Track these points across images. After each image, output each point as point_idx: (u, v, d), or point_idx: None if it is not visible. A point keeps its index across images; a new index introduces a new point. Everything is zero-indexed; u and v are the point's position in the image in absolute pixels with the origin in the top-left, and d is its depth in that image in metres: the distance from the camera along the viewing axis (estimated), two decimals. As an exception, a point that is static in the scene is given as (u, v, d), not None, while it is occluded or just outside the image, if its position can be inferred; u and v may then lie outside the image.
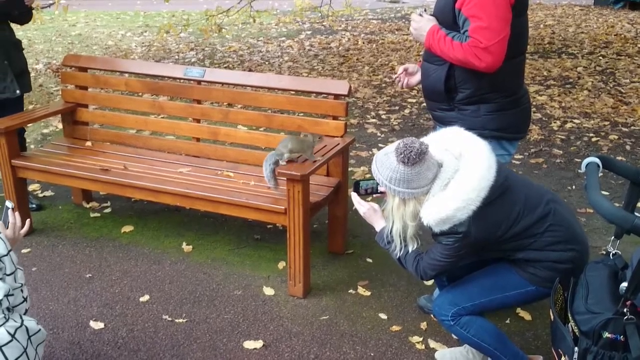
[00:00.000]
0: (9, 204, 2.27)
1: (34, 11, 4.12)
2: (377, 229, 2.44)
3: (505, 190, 2.16)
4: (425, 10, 2.69)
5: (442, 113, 2.67)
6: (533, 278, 2.25)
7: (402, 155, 2.06)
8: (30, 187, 4.22)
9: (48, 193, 4.26)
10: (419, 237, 2.29)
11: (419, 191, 2.11)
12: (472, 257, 2.35)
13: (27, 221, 2.39)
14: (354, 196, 2.44)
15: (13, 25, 3.94)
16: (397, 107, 6.08)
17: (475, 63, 2.43)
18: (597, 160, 2.02)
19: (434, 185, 2.11)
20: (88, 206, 4.09)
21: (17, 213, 2.26)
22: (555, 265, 2.21)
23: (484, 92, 2.56)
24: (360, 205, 2.43)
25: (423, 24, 2.60)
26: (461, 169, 2.12)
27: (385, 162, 2.13)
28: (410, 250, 2.30)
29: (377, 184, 2.31)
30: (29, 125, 4.82)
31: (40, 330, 2.06)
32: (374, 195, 2.50)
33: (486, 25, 2.39)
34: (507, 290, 2.30)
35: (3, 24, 3.89)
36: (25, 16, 3.96)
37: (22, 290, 2.05)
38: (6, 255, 1.98)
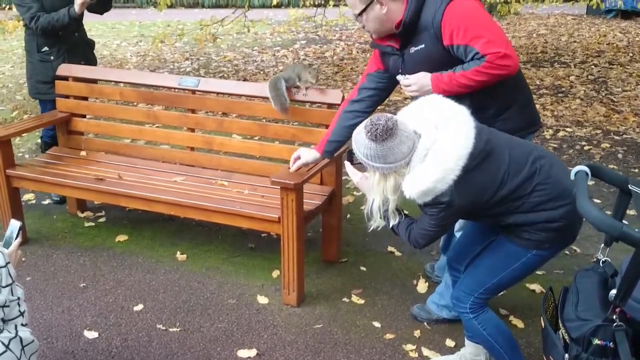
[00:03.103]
0: (16, 223, 2.26)
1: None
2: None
3: (488, 155, 2.12)
4: (352, 153, 2.46)
5: None
6: (529, 243, 2.22)
7: (370, 133, 2.06)
8: (25, 197, 4.23)
9: (45, 202, 4.27)
10: (399, 212, 2.27)
11: (397, 165, 2.09)
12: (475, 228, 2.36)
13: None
14: (347, 165, 2.39)
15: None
16: (391, 116, 6.11)
17: (501, 72, 2.39)
18: (585, 168, 2.04)
19: (413, 157, 2.09)
20: (82, 215, 4.09)
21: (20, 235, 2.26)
22: (548, 225, 2.18)
23: (503, 104, 2.55)
24: (354, 174, 2.38)
25: (421, 82, 2.51)
26: (439, 139, 2.09)
27: (359, 140, 2.12)
28: (395, 222, 2.28)
29: None
30: (23, 135, 4.82)
31: (33, 340, 2.07)
32: None
33: (488, 39, 2.37)
34: (510, 264, 2.28)
35: (79, 24, 4.07)
36: (106, 5, 4.12)
37: (18, 304, 2.05)
38: (4, 267, 1.99)
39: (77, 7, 3.85)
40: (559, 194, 2.17)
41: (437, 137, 2.09)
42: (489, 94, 2.49)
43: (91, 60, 4.22)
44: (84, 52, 4.15)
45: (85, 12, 4.11)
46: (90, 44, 4.26)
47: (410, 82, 2.57)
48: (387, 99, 6.88)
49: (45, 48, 4.01)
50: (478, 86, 2.43)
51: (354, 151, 2.18)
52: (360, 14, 2.50)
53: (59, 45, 4.02)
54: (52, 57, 4.02)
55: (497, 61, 2.37)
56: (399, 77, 2.64)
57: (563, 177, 2.21)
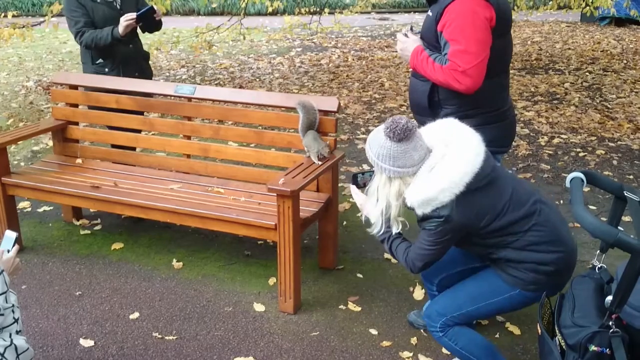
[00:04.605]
0: (11, 234, 2.26)
1: (24, 29, 4.16)
2: None
3: (492, 181, 2.17)
4: (411, 29, 2.77)
5: None
6: (516, 280, 2.25)
7: (389, 129, 2.11)
8: (20, 205, 4.22)
9: (40, 210, 4.25)
10: (402, 221, 2.29)
11: (405, 171, 2.14)
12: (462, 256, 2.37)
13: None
14: (352, 188, 2.47)
15: None
16: (386, 123, 6.12)
17: (455, 85, 2.51)
18: (581, 175, 2.06)
19: (421, 169, 2.14)
20: (78, 223, 4.08)
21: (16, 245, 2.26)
22: (538, 267, 2.20)
23: (467, 109, 2.62)
24: (358, 196, 2.45)
25: (408, 45, 2.69)
26: (448, 154, 2.14)
27: (375, 138, 2.18)
28: (392, 234, 2.32)
29: (373, 174, 2.33)
30: (18, 142, 4.81)
31: (28, 348, 2.06)
32: None
33: (464, 48, 2.46)
34: (493, 296, 2.31)
35: (134, 36, 4.07)
36: (156, 25, 4.11)
37: (13, 312, 2.05)
38: None
39: (121, 29, 3.83)
40: (554, 240, 2.21)
41: (446, 153, 2.15)
42: (452, 98, 2.60)
43: (145, 72, 4.20)
44: (139, 63, 4.14)
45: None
46: (146, 56, 4.25)
47: (402, 39, 2.74)
48: (383, 106, 6.86)
49: (100, 60, 4.00)
50: (436, 83, 2.57)
51: (366, 153, 2.22)
52: None
53: (113, 57, 4.01)
54: (106, 69, 4.01)
55: (454, 73, 2.49)
56: (402, 31, 2.78)
57: (561, 225, 2.26)
